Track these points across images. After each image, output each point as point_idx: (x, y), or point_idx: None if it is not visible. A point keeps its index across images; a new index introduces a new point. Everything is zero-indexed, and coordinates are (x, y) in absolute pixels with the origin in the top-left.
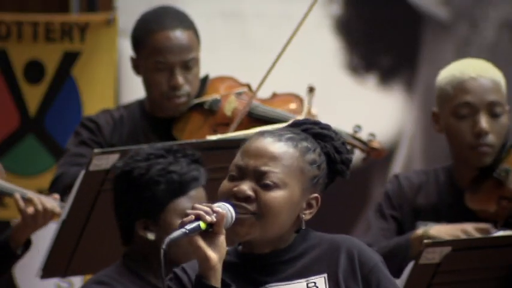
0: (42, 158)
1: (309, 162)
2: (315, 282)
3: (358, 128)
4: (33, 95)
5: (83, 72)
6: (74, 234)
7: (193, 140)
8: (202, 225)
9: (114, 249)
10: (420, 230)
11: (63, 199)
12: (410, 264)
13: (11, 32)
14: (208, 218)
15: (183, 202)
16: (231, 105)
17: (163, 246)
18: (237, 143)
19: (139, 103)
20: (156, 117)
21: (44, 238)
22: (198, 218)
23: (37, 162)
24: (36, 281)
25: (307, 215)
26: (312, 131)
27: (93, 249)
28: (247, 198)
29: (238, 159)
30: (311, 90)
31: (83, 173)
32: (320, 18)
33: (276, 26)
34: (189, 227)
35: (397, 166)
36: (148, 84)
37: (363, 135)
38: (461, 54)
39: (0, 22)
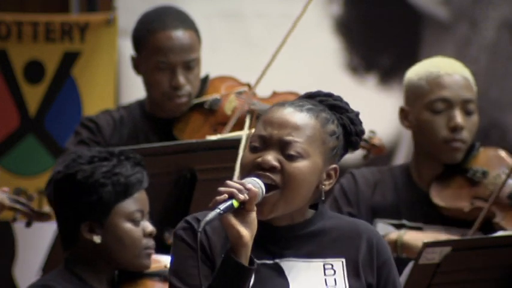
0: (42, 158)
1: (329, 133)
2: (332, 265)
3: None
4: (33, 95)
5: (83, 72)
6: None
7: (194, 140)
8: (235, 203)
9: None
10: (394, 235)
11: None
12: (410, 264)
13: (11, 32)
14: (241, 196)
15: (128, 204)
16: (231, 104)
17: (199, 229)
18: (236, 143)
19: (139, 103)
20: (157, 117)
21: (44, 238)
22: (231, 196)
23: (37, 162)
24: None
25: (326, 186)
26: (328, 102)
27: None
28: (272, 169)
29: (260, 129)
30: None
31: None
32: (320, 18)
33: (276, 26)
34: (222, 206)
35: None
36: (149, 84)
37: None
38: (461, 54)
39: (1, 22)
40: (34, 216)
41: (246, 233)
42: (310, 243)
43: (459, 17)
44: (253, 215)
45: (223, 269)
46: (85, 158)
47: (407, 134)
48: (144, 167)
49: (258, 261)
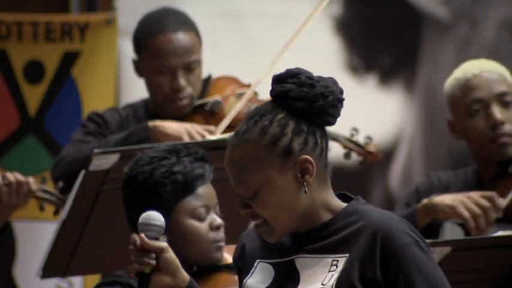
0: (42, 158)
1: (268, 143)
2: (337, 261)
3: (355, 131)
4: (33, 95)
5: (83, 72)
6: (74, 234)
7: (194, 140)
8: (148, 270)
9: (114, 249)
10: (425, 200)
11: (68, 176)
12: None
13: (11, 32)
14: (142, 265)
15: (191, 201)
16: (232, 106)
17: None
18: None
19: (144, 103)
20: (160, 118)
21: (44, 238)
22: (139, 273)
23: (37, 162)
24: (36, 281)
25: (308, 179)
26: (274, 97)
27: (93, 249)
28: (251, 214)
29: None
30: None
31: (83, 173)
32: (320, 18)
33: (276, 26)
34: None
35: (397, 166)
36: (150, 87)
37: (360, 138)
38: (461, 54)
39: (1, 22)
40: (61, 205)
41: (164, 279)
42: (326, 241)
43: (459, 17)
44: (165, 256)
45: None
46: (146, 159)
47: (406, 135)
48: (207, 160)
49: (277, 260)
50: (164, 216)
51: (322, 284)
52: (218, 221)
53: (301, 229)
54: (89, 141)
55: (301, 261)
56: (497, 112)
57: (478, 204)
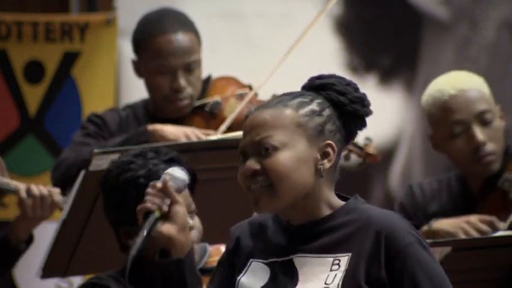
0: (42, 158)
1: (306, 114)
2: (339, 260)
3: None
4: (33, 95)
5: (83, 72)
6: (74, 234)
7: (194, 140)
8: (157, 213)
9: (114, 250)
10: (425, 227)
11: (67, 178)
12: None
13: (11, 32)
14: (155, 204)
15: None
16: (232, 107)
17: (131, 256)
18: (236, 143)
19: (144, 103)
20: (159, 118)
21: (44, 238)
22: (149, 211)
23: (37, 162)
24: (36, 281)
25: (325, 164)
26: (314, 84)
27: (93, 249)
28: (254, 173)
29: (240, 143)
30: None
31: (83, 173)
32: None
33: (276, 26)
34: (146, 227)
35: (397, 166)
36: (150, 87)
37: (359, 139)
38: (461, 54)
39: (0, 22)
40: None
41: (171, 229)
42: (325, 239)
43: (459, 17)
44: (176, 208)
45: (166, 275)
46: (115, 164)
47: (406, 135)
48: (178, 161)
49: (274, 259)
50: (132, 221)
51: (326, 284)
52: (189, 223)
53: (298, 221)
54: (89, 143)
55: (300, 261)
56: (479, 133)
57: (478, 230)
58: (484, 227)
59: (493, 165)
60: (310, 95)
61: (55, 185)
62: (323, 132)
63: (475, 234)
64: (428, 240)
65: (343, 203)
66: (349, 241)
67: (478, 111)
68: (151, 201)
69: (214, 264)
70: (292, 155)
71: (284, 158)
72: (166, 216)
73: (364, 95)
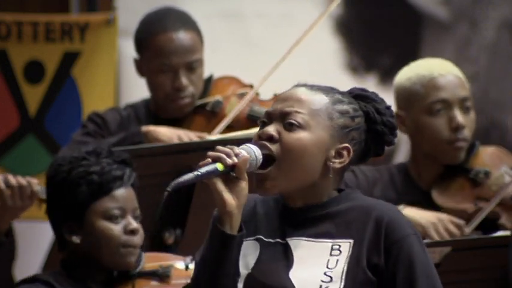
0: (42, 158)
1: (340, 111)
2: (339, 245)
3: None
4: (33, 95)
5: (83, 72)
6: None
7: (194, 140)
8: (220, 167)
9: None
10: None
11: None
12: None
13: (11, 32)
14: (228, 160)
15: (106, 202)
16: (233, 106)
17: (169, 188)
18: (237, 143)
19: (145, 103)
20: (161, 118)
21: (44, 238)
22: (216, 160)
23: (37, 162)
24: None
25: (336, 164)
26: (355, 93)
27: None
28: (270, 138)
29: (269, 107)
30: None
31: None
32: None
33: (276, 26)
34: (202, 169)
35: None
36: (152, 86)
37: None
38: (461, 54)
39: (0, 22)
40: None
41: (231, 201)
42: (322, 225)
43: (459, 17)
44: (243, 184)
45: (210, 237)
46: (66, 159)
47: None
48: (129, 164)
49: (269, 240)
50: (78, 217)
51: (328, 268)
52: (134, 225)
53: (298, 203)
54: (87, 142)
55: (296, 243)
56: (459, 116)
57: (447, 230)
58: (454, 229)
59: (461, 153)
60: (348, 98)
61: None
62: (347, 135)
63: (444, 234)
64: (428, 241)
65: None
66: (348, 227)
67: (462, 95)
68: (220, 150)
69: (149, 269)
70: (312, 139)
71: (304, 138)
72: (227, 179)
73: (396, 124)
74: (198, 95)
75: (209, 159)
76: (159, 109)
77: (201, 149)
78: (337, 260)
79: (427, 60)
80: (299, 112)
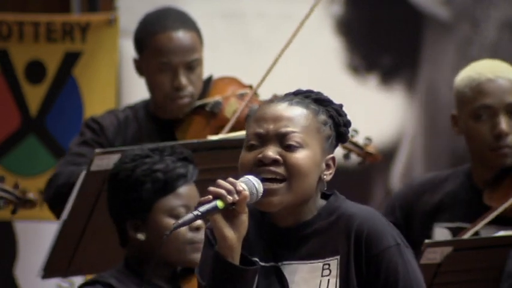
0: (43, 158)
1: (322, 122)
2: (329, 264)
3: (354, 132)
4: (34, 95)
5: (84, 73)
6: (75, 234)
7: (195, 140)
8: (220, 204)
9: (115, 249)
10: None
11: (57, 198)
12: None
13: (12, 32)
14: (229, 198)
15: (171, 200)
16: (232, 107)
17: (167, 232)
18: (237, 143)
19: (145, 104)
20: (160, 118)
21: (44, 238)
22: (217, 197)
23: (38, 162)
24: (37, 281)
25: (327, 176)
26: (311, 97)
27: (94, 249)
28: (274, 162)
29: (254, 127)
30: None
31: (84, 173)
32: (321, 18)
33: (276, 26)
34: (202, 208)
35: (398, 166)
36: (151, 86)
37: (359, 139)
38: (462, 54)
39: (2, 22)
40: (19, 204)
41: (232, 235)
42: (311, 244)
43: (460, 17)
44: (243, 217)
45: (214, 268)
46: (129, 156)
47: (407, 135)
48: (191, 161)
49: (263, 264)
50: (142, 214)
51: None
52: (198, 222)
53: (286, 223)
54: (84, 154)
55: (288, 268)
56: (504, 122)
57: None
58: None
59: (507, 159)
60: (316, 105)
61: (48, 204)
62: (330, 144)
63: None
64: (429, 241)
65: (325, 202)
66: (334, 243)
67: (509, 101)
68: (221, 186)
69: None
70: (311, 156)
71: (306, 157)
72: (227, 213)
73: (351, 122)
74: (197, 94)
75: (210, 196)
76: (158, 109)
77: (202, 149)
78: (328, 281)
79: (484, 62)
80: (295, 132)
